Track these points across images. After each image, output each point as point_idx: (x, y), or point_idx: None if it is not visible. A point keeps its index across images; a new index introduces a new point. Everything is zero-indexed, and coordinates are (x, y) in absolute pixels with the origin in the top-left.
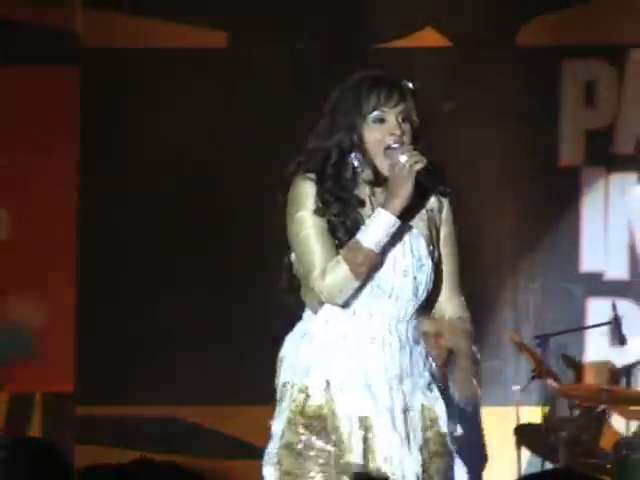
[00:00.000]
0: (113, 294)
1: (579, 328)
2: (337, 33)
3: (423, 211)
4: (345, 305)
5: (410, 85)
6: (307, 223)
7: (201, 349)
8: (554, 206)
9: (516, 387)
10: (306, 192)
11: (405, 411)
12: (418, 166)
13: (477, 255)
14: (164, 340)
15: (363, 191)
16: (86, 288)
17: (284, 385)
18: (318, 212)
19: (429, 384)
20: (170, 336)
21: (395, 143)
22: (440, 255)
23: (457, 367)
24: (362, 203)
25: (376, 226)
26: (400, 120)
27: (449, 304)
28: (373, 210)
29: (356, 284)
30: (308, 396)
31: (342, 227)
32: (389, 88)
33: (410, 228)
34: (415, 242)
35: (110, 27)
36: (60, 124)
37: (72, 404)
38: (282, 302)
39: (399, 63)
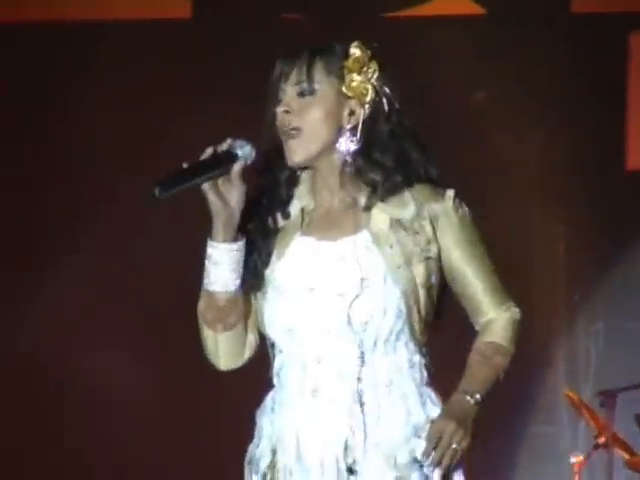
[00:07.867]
0: None
1: None
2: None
3: (385, 219)
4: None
5: (336, 46)
6: None
7: None
8: (619, 224)
9: (574, 459)
10: None
11: None
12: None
13: (518, 292)
14: None
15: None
16: None
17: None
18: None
19: (415, 460)
20: None
21: (282, 125)
22: (450, 270)
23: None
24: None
25: (207, 262)
26: (295, 93)
27: (486, 325)
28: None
29: (220, 337)
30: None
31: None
32: (292, 55)
33: (353, 243)
34: (363, 258)
35: None
36: None
37: None
38: None
39: (412, 37)
